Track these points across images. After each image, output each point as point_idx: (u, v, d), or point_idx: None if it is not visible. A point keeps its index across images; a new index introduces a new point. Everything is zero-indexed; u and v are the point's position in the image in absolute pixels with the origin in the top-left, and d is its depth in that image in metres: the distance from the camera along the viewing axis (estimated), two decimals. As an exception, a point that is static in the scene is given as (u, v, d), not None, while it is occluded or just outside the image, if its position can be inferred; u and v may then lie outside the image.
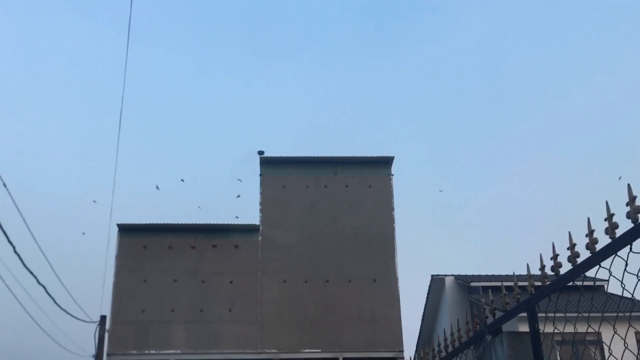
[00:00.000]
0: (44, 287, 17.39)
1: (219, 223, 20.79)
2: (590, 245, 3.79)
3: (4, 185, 12.67)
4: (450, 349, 6.21)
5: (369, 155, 21.54)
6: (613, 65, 46.81)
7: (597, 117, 48.14)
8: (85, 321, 22.29)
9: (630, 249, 3.42)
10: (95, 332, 22.05)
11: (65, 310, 20.46)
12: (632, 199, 3.41)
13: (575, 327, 4.10)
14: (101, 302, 21.39)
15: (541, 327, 4.56)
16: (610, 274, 3.65)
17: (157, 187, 25.11)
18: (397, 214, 20.92)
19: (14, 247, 13.72)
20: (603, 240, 3.64)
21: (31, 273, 15.80)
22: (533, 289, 4.59)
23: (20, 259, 14.55)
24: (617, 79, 46.48)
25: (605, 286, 21.94)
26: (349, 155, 21.52)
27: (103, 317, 21.72)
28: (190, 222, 20.77)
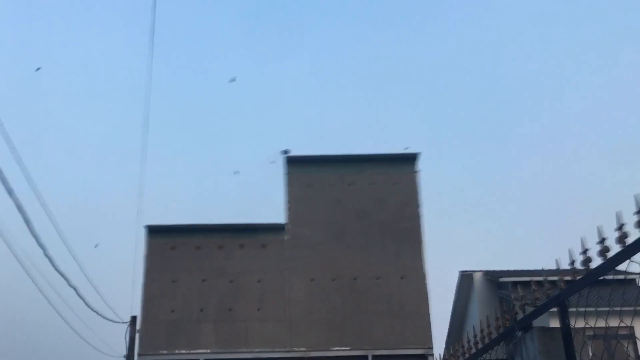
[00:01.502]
0: (75, 289, 17.62)
1: (245, 223, 20.88)
2: (620, 239, 3.74)
3: (34, 188, 12.85)
4: (480, 346, 6.17)
5: (394, 152, 21.47)
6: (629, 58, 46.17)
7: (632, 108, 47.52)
8: (116, 322, 22.54)
9: (662, 242, 3.37)
10: (126, 333, 22.27)
11: (96, 312, 20.70)
12: (663, 191, 3.37)
13: (606, 322, 4.05)
14: (131, 303, 21.60)
15: (572, 323, 4.52)
16: (642, 268, 3.60)
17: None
18: (424, 209, 20.83)
19: (44, 250, 13.91)
20: (634, 234, 3.60)
21: (62, 275, 16.01)
22: (563, 284, 4.54)
23: (51, 261, 14.75)
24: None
25: (637, 280, 21.68)
26: (373, 152, 21.48)
27: (134, 318, 21.92)
28: (218, 223, 20.88)
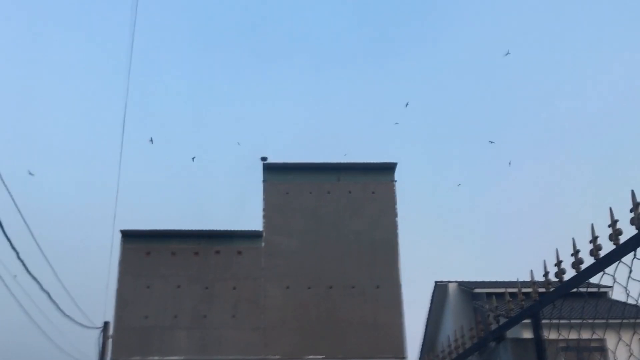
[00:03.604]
0: (47, 293, 17.39)
1: (222, 229, 20.81)
2: (594, 252, 3.78)
3: (7, 190, 12.70)
4: (454, 355, 6.19)
5: (372, 162, 21.55)
6: (614, 68, 46.81)
7: (602, 121, 48.15)
8: (88, 327, 22.27)
9: (635, 255, 3.41)
10: (98, 338, 22.01)
11: (68, 316, 20.43)
12: (636, 205, 3.40)
13: (579, 334, 4.08)
14: (104, 308, 21.37)
15: (545, 334, 4.55)
16: (615, 281, 3.64)
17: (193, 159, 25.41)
18: (400, 219, 20.91)
19: (17, 253, 13.74)
20: (607, 247, 3.63)
21: (34, 279, 15.81)
22: (537, 296, 4.57)
23: (24, 264, 14.56)
24: (619, 81, 46.52)
25: (610, 293, 21.89)
26: (352, 161, 21.54)
27: (106, 323, 21.67)
28: (194, 229, 20.77)
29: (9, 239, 12.93)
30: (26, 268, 14.83)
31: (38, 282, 16.18)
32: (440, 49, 50.72)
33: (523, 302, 4.81)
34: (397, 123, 20.97)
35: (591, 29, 48.27)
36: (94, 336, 22.10)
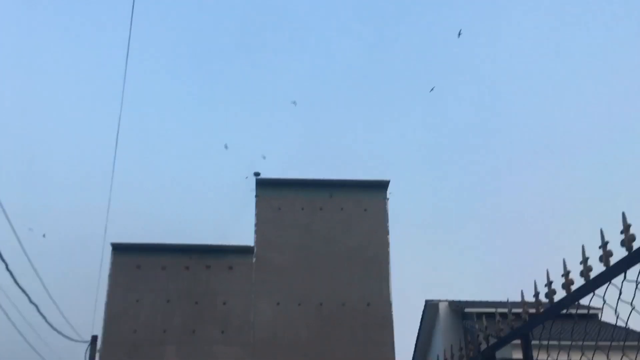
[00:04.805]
0: (35, 305, 17.26)
1: (213, 244, 20.74)
2: (584, 273, 3.77)
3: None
4: (443, 375, 6.17)
5: (364, 179, 21.57)
6: (611, 86, 47.12)
7: (594, 142, 48.41)
8: (76, 341, 22.09)
9: (625, 277, 3.40)
10: (85, 353, 21.83)
11: (56, 330, 20.27)
12: (627, 227, 3.41)
13: (569, 356, 4.07)
14: (93, 322, 21.23)
15: (535, 355, 4.54)
16: (605, 302, 3.63)
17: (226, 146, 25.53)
18: (392, 236, 20.90)
19: (6, 265, 13.65)
20: (598, 268, 3.63)
21: (23, 291, 15.70)
22: (527, 316, 4.57)
23: (12, 276, 14.46)
24: (614, 101, 46.87)
25: (599, 315, 21.91)
26: (344, 178, 21.56)
27: (94, 337, 21.50)
28: (185, 243, 20.70)
29: (-2, 250, 12.85)
30: (15, 280, 14.73)
31: (27, 294, 16.07)
32: (435, 55, 50.94)
33: (513, 323, 4.80)
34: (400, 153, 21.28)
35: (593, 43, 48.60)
36: (82, 350, 21.92)
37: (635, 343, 3.83)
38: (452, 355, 6.03)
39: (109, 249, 20.36)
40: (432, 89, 24.77)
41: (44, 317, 18.43)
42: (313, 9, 51.93)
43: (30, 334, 19.68)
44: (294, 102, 27.15)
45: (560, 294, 4.09)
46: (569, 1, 48.61)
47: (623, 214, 3.46)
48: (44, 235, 24.00)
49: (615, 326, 3.71)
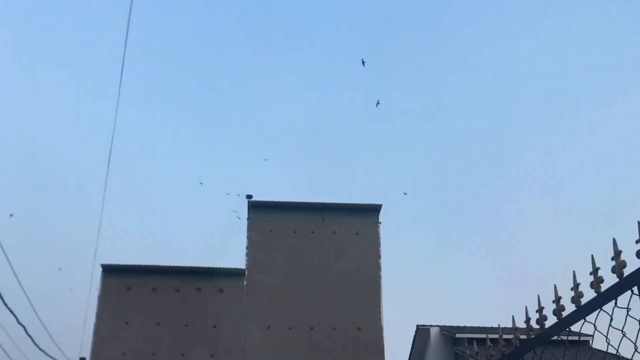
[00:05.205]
0: (23, 326, 17.10)
1: (204, 266, 20.67)
2: (575, 299, 3.77)
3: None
4: (433, 401, 6.13)
5: (357, 203, 21.58)
6: (609, 117, 47.45)
7: (586, 169, 48.70)
8: (64, 363, 21.87)
9: (615, 303, 3.40)
10: (73, 374, 21.60)
11: (44, 351, 20.08)
12: (618, 253, 3.41)
13: (560, 382, 4.06)
14: (81, 343, 21.03)
15: (526, 381, 4.52)
16: (595, 329, 3.63)
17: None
18: (384, 260, 20.87)
19: (-5, 285, 13.53)
20: (589, 294, 3.63)
21: (11, 311, 15.55)
22: (518, 342, 4.55)
23: (1, 296, 14.34)
24: (609, 132, 47.24)
25: (590, 341, 21.88)
26: (337, 201, 21.57)
27: (82, 359, 21.31)
28: (175, 265, 20.62)
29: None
30: (3, 300, 14.61)
31: (14, 315, 15.92)
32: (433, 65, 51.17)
33: (504, 348, 4.78)
34: (405, 194, 21.33)
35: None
36: (70, 372, 21.69)
37: (626, 370, 3.81)
38: (443, 381, 6.00)
39: (99, 270, 20.24)
40: (377, 103, 24.81)
41: (31, 338, 18.25)
42: (310, 25, 52.36)
43: (18, 356, 19.47)
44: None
45: (551, 320, 4.08)
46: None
47: (614, 240, 3.46)
48: (59, 269, 23.99)
49: (606, 353, 3.70)
